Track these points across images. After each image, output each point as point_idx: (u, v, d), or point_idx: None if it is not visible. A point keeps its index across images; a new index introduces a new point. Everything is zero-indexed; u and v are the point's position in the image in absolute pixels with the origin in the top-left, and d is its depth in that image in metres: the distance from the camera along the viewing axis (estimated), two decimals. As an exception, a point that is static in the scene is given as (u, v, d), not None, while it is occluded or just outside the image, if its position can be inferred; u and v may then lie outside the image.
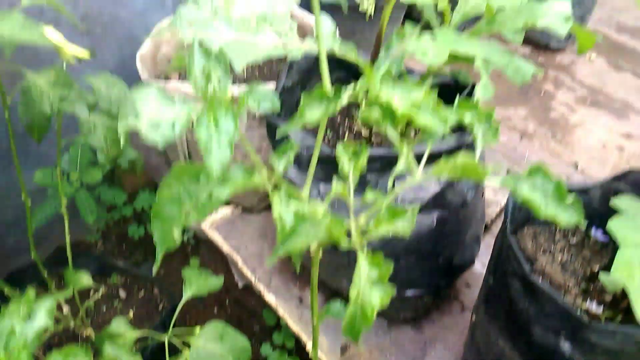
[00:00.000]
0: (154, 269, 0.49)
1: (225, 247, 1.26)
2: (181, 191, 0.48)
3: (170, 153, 1.35)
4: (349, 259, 0.99)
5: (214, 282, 0.92)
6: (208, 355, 0.76)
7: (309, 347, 1.09)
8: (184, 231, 1.42)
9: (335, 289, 1.12)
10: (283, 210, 0.48)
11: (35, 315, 0.47)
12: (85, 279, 1.02)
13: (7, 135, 1.30)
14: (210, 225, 1.31)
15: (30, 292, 0.50)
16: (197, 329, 0.83)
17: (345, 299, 1.17)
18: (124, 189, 1.41)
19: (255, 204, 1.32)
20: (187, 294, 0.89)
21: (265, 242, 1.27)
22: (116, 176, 1.46)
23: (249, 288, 1.36)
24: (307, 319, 1.12)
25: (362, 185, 0.88)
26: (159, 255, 0.48)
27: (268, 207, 1.35)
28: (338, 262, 1.01)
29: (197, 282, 0.91)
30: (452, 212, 0.95)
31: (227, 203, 1.35)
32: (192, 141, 1.25)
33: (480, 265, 1.17)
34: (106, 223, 1.42)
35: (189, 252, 1.50)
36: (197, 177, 0.49)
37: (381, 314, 1.11)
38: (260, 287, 1.18)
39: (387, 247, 0.95)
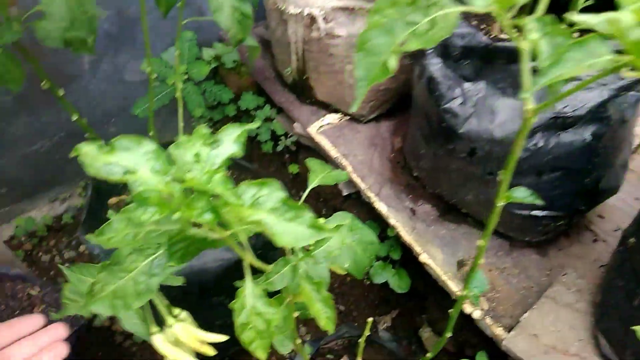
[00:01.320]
0: (354, 108, 0.42)
1: (333, 152, 1.20)
2: (395, 17, 0.40)
3: (279, 54, 1.29)
4: (484, 171, 0.90)
5: (339, 174, 0.86)
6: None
7: (422, 258, 1.03)
8: (285, 135, 1.37)
9: (453, 203, 1.05)
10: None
11: (221, 143, 0.41)
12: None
13: (116, 22, 1.27)
14: (317, 131, 1.25)
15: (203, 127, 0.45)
16: (322, 219, 0.78)
17: (463, 214, 1.09)
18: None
19: (365, 113, 1.24)
20: (314, 182, 0.83)
21: (375, 152, 1.21)
22: (220, 76, 1.42)
23: (349, 198, 1.31)
24: (421, 230, 1.06)
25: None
26: (363, 90, 0.41)
27: (376, 118, 1.27)
28: (469, 174, 0.92)
29: (323, 172, 0.85)
30: (609, 128, 0.84)
31: (336, 111, 1.28)
32: (310, 50, 1.17)
33: (615, 198, 1.06)
34: (210, 119, 1.39)
35: (287, 160, 1.46)
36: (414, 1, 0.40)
37: (502, 234, 1.03)
38: (371, 196, 1.13)
39: (530, 160, 0.85)
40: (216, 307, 1.04)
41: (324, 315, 0.52)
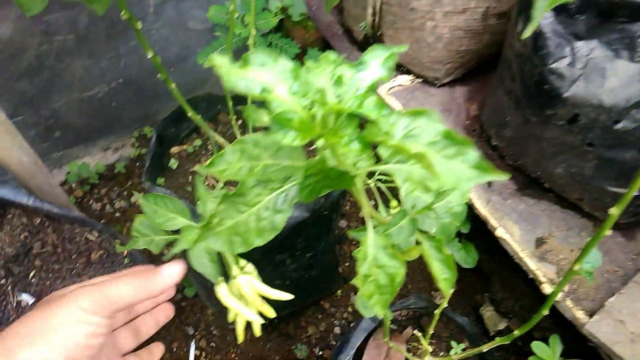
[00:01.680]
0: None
1: (404, 116, 1.14)
2: None
3: (352, 8, 1.21)
4: (582, 141, 0.83)
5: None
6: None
7: (498, 233, 0.96)
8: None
9: (535, 176, 0.97)
10: None
11: (367, 66, 0.36)
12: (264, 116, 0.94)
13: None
14: (388, 92, 1.18)
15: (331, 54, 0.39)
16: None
17: (544, 189, 1.02)
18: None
19: (440, 76, 1.17)
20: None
21: (449, 118, 1.13)
22: (285, 29, 1.35)
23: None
24: (497, 203, 0.99)
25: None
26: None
27: (450, 83, 1.20)
28: (564, 144, 0.85)
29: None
30: None
31: (408, 72, 1.20)
32: (389, 4, 1.09)
33: None
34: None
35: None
36: None
37: (588, 213, 0.96)
38: (443, 163, 1.06)
39: (638, 132, 0.78)
40: (278, 265, 1.00)
41: (442, 277, 0.46)
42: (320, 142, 0.33)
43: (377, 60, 0.36)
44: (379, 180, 0.77)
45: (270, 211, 0.37)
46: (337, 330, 1.25)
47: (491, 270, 1.15)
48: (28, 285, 0.95)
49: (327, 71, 0.37)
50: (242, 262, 0.60)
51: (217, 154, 0.40)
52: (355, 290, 1.30)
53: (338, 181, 0.35)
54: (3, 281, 0.92)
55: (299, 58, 1.32)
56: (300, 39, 1.33)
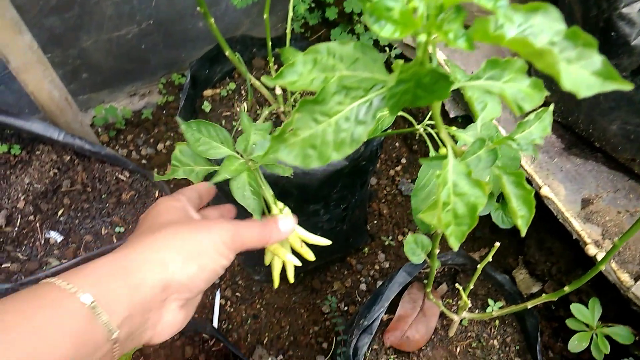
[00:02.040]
0: None
1: (446, 68, 1.09)
2: None
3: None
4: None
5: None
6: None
7: (543, 191, 0.93)
8: (390, 46, 1.25)
9: (585, 134, 0.93)
10: None
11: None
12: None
13: None
14: (429, 43, 1.13)
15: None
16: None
17: (593, 148, 0.98)
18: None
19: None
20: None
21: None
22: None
23: (455, 121, 1.20)
24: (542, 162, 0.95)
25: None
26: None
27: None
28: (624, 98, 0.80)
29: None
30: None
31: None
32: None
33: None
34: (304, 20, 1.27)
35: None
36: None
37: (637, 175, 0.92)
38: (486, 118, 1.01)
39: None
40: (311, 216, 0.97)
41: (519, 214, 0.43)
42: (421, 38, 0.29)
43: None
44: (429, 126, 0.73)
45: (352, 122, 0.33)
46: (362, 287, 1.23)
47: (528, 232, 1.11)
48: (56, 223, 0.93)
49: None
50: (280, 204, 0.57)
51: (286, 64, 0.37)
52: (382, 248, 1.28)
53: (431, 90, 0.31)
54: (31, 217, 0.91)
55: (338, 5, 1.27)
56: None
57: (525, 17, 0.29)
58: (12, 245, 0.88)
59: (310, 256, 0.59)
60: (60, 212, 0.94)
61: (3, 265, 0.86)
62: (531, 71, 0.94)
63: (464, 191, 0.38)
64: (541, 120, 0.45)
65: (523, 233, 0.43)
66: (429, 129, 0.74)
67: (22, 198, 0.91)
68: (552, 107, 0.46)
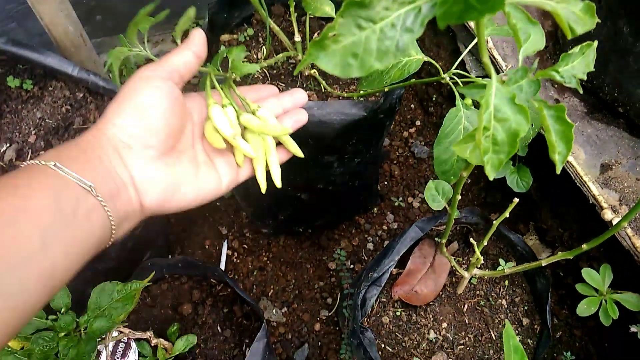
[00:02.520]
0: None
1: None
2: None
3: None
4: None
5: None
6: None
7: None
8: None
9: (610, 99, 0.91)
10: None
11: None
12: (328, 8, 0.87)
13: None
14: None
15: None
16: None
17: (616, 113, 0.96)
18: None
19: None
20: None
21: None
22: None
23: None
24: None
25: None
26: None
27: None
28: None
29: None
30: None
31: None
32: None
33: None
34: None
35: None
36: None
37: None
38: (508, 79, 0.99)
39: None
40: (325, 167, 0.96)
41: (557, 150, 0.41)
42: None
43: None
44: (456, 75, 0.71)
45: (398, 30, 0.31)
46: (370, 246, 1.22)
47: (541, 197, 1.10)
48: (68, 161, 0.92)
49: None
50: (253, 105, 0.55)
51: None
52: (392, 209, 1.27)
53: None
54: (42, 152, 0.89)
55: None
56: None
57: None
58: (55, 149, 0.88)
59: (297, 151, 0.56)
60: (71, 150, 0.93)
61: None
62: None
63: (505, 116, 0.36)
64: (585, 56, 0.43)
65: (559, 170, 0.42)
66: (455, 78, 0.72)
67: (33, 132, 0.89)
68: (596, 43, 0.44)
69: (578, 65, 0.42)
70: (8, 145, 0.87)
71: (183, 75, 0.49)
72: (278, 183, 0.54)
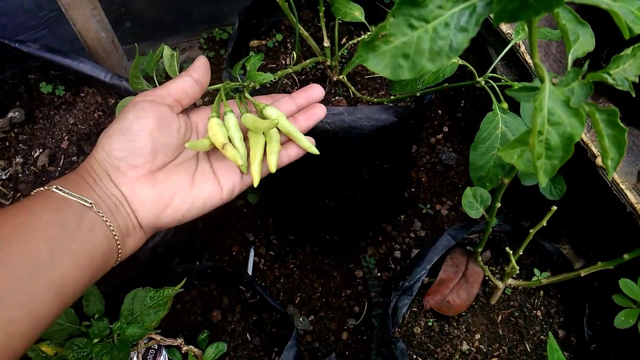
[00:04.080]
0: None
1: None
2: None
3: None
4: None
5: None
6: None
7: (599, 161, 0.88)
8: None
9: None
10: None
11: None
12: (357, 12, 0.87)
13: None
14: None
15: None
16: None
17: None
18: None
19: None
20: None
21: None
22: None
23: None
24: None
25: None
26: None
27: None
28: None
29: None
30: None
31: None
32: None
33: None
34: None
35: None
36: None
37: None
38: (541, 84, 0.97)
39: None
40: (353, 174, 0.95)
41: (610, 155, 0.40)
42: None
43: None
44: (491, 78, 0.70)
45: (451, 29, 0.30)
46: (397, 254, 1.21)
47: (575, 205, 1.07)
48: (98, 167, 0.93)
49: None
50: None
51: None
52: (419, 216, 1.25)
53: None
54: (74, 158, 0.90)
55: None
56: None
57: None
58: (57, 179, 0.88)
59: (310, 147, 0.55)
60: (101, 156, 0.93)
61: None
62: None
63: (560, 120, 0.35)
64: (636, 58, 0.41)
65: (611, 176, 0.40)
66: (491, 82, 0.71)
67: (65, 138, 0.90)
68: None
69: (629, 67, 0.41)
70: (41, 150, 0.88)
71: (179, 99, 0.51)
72: (272, 169, 0.54)
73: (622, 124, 0.39)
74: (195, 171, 0.52)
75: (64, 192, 0.43)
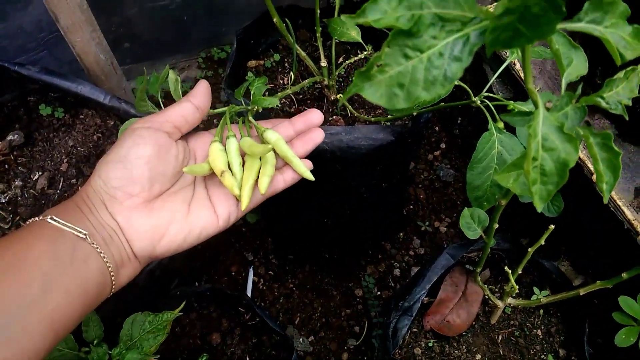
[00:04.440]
0: None
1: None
2: None
3: None
4: None
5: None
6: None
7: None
8: None
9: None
10: None
11: None
12: (354, 32, 0.88)
13: None
14: None
15: None
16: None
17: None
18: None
19: None
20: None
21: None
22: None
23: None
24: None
25: None
26: None
27: None
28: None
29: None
30: None
31: None
32: None
33: None
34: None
35: None
36: None
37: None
38: (537, 102, 0.98)
39: None
40: (351, 193, 0.95)
41: (604, 179, 0.40)
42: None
43: None
44: (487, 98, 0.70)
45: (445, 59, 0.31)
46: (396, 272, 1.20)
47: (572, 222, 1.08)
48: (97, 188, 0.93)
49: None
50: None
51: (370, 1, 0.35)
52: (418, 234, 1.25)
53: (536, 24, 0.29)
54: (74, 180, 0.91)
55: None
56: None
57: None
58: (53, 207, 0.88)
59: (305, 172, 0.56)
60: (100, 178, 0.94)
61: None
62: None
63: (554, 146, 0.35)
64: (629, 81, 0.42)
65: (606, 199, 0.40)
66: (487, 102, 0.71)
67: (65, 161, 0.90)
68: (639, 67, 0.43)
69: (622, 90, 0.41)
70: (40, 173, 0.88)
71: (178, 126, 0.51)
72: (262, 191, 0.54)
73: (616, 148, 0.39)
74: (192, 198, 0.52)
75: (58, 223, 0.43)
